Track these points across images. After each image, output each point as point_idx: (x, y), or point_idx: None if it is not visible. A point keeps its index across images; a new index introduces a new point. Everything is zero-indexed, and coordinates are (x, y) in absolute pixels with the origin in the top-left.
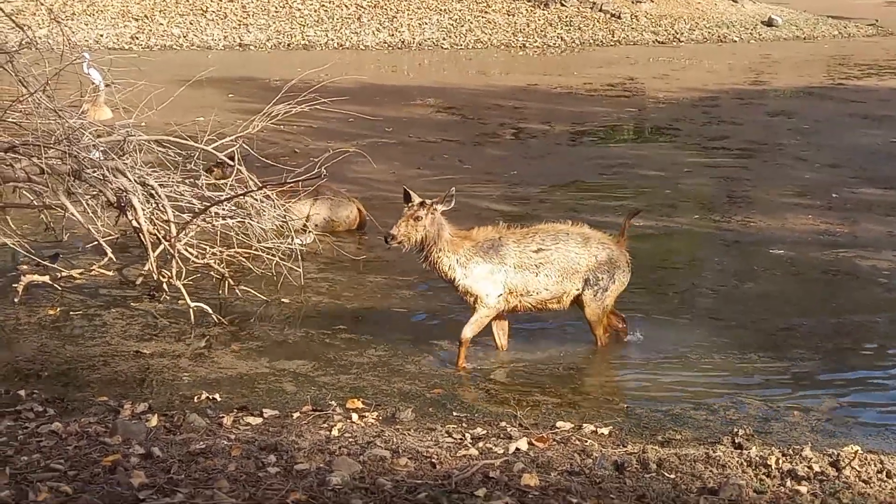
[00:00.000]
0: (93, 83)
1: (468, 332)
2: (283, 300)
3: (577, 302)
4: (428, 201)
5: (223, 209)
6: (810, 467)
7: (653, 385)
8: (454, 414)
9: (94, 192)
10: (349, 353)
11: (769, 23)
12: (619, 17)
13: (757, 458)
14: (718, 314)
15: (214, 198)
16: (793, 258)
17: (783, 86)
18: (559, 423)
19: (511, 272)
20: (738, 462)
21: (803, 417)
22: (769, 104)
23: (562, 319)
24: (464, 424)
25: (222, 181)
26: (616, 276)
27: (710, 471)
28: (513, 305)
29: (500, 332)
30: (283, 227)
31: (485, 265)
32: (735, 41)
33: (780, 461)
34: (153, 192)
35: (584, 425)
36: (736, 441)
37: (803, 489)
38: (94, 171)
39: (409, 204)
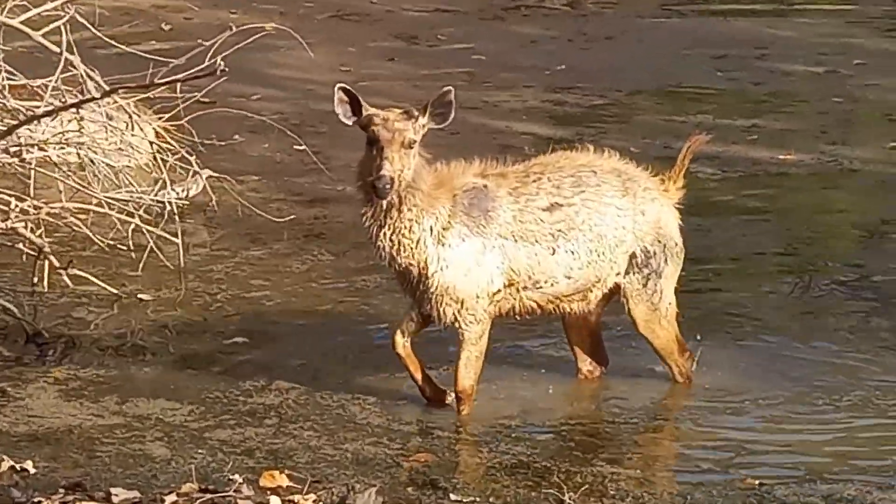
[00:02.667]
0: None
1: (466, 378)
2: (145, 295)
3: (614, 298)
4: (415, 111)
5: (40, 131)
6: None
7: (780, 447)
8: (452, 498)
9: None
10: (263, 390)
11: None
12: None
13: None
14: None
15: (26, 112)
16: None
17: None
18: None
19: (511, 248)
20: None
21: None
22: None
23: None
24: None
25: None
26: (669, 248)
27: None
28: (507, 307)
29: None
30: (151, 165)
31: (473, 240)
32: None
33: None
34: None
35: None
36: None
37: None
38: None
39: (383, 118)
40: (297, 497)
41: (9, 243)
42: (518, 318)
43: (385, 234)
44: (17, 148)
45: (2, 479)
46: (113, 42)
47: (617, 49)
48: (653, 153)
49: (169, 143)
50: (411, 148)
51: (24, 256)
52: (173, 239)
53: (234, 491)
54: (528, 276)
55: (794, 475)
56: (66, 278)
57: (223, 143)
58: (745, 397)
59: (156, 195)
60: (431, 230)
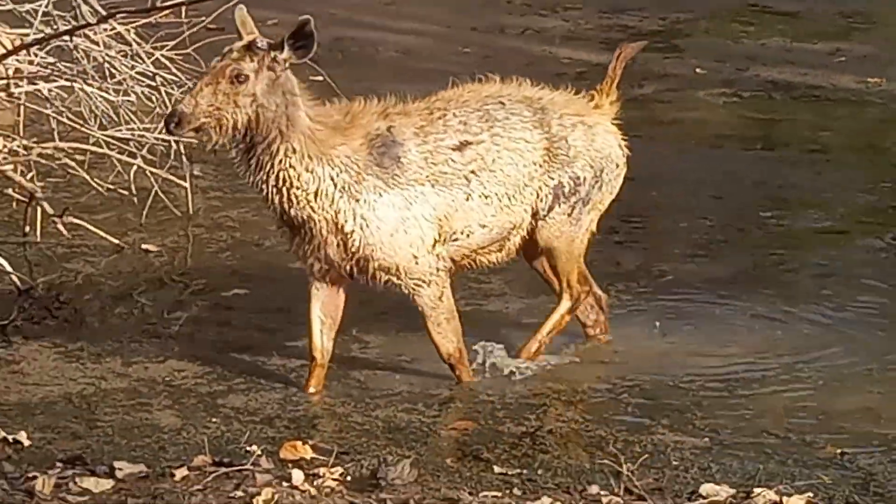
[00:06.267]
0: None
1: (447, 342)
2: (149, 246)
3: (532, 239)
4: (261, 41)
5: (31, 61)
6: None
7: (863, 412)
8: (496, 470)
9: None
10: (283, 350)
11: None
12: None
13: None
14: None
15: (13, 40)
16: None
17: None
18: (704, 488)
19: (431, 194)
20: None
21: None
22: None
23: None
24: (515, 492)
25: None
26: (608, 173)
27: None
28: None
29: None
30: (155, 100)
31: (390, 192)
32: None
33: None
34: None
35: (758, 491)
36: None
37: None
38: None
39: (227, 49)
40: (322, 470)
41: None
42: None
43: (266, 181)
44: (5, 81)
45: None
46: None
47: None
48: (722, 77)
49: (174, 74)
50: (239, 82)
51: (15, 203)
52: (181, 182)
53: (252, 464)
54: (447, 226)
55: (880, 443)
56: (61, 227)
57: None
58: (825, 360)
59: (160, 134)
60: (334, 181)
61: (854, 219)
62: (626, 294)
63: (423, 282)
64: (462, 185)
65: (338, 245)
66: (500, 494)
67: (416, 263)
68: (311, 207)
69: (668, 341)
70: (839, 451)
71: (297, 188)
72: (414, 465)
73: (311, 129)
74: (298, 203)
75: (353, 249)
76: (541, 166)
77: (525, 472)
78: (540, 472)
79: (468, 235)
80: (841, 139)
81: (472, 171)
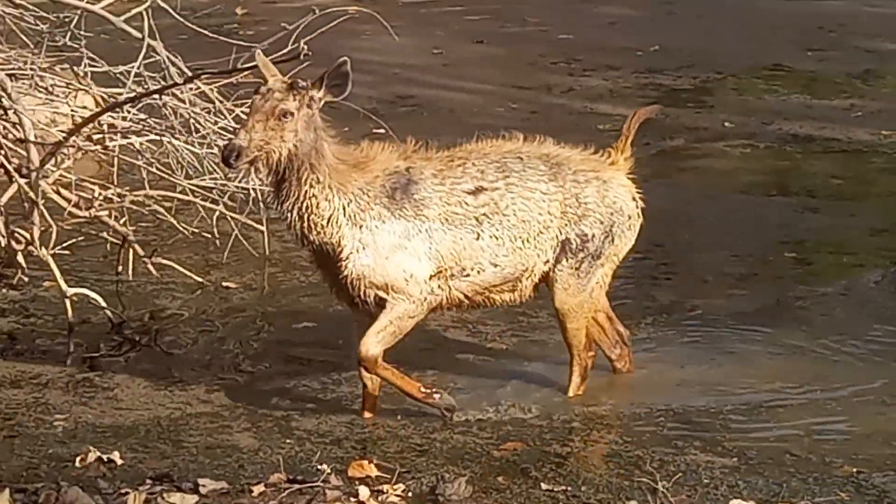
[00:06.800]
0: None
1: (373, 345)
2: (229, 283)
3: (544, 285)
4: (301, 82)
5: (124, 117)
6: None
7: (877, 435)
8: (543, 487)
9: None
10: (349, 378)
11: None
12: None
13: None
14: None
15: (108, 98)
16: None
17: None
18: None
19: (438, 232)
20: None
21: None
22: None
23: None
24: None
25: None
26: (616, 228)
27: None
28: (436, 301)
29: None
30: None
31: (393, 223)
32: None
33: None
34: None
35: None
36: None
37: None
38: None
39: (266, 88)
40: (385, 487)
41: (93, 232)
42: (450, 311)
43: (292, 209)
44: (100, 135)
45: (88, 470)
46: (195, 27)
47: (714, 27)
48: (748, 130)
49: None
50: (285, 119)
51: (109, 245)
52: (258, 226)
53: (323, 481)
54: (454, 262)
55: (893, 464)
56: (150, 267)
57: None
58: (843, 386)
59: (240, 182)
60: (345, 210)
61: (869, 257)
62: (661, 326)
63: (408, 299)
64: (472, 225)
65: (335, 269)
66: None
67: (407, 284)
68: (324, 233)
69: (699, 370)
70: (856, 470)
71: (315, 215)
72: (469, 483)
73: (333, 165)
74: (315, 228)
75: (346, 272)
76: (555, 217)
77: (569, 488)
78: (583, 488)
79: (479, 272)
80: (854, 186)
81: (484, 214)
